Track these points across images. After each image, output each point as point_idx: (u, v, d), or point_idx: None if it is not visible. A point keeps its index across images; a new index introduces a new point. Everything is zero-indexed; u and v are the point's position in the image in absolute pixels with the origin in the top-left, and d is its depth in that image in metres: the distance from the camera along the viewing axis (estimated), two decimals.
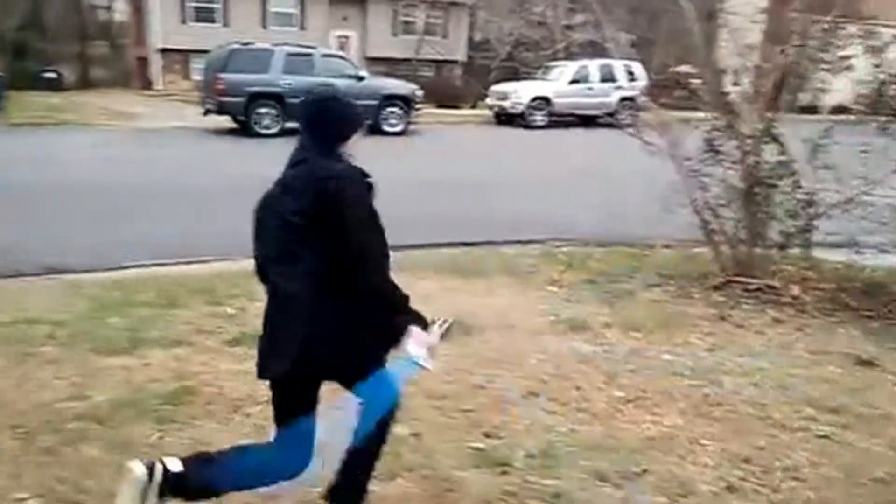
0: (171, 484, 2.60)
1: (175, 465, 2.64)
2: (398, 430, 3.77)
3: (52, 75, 39.23)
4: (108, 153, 15.59)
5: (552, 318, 5.70)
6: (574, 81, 25.09)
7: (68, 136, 18.19)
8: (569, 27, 36.83)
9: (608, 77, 24.57)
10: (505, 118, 25.21)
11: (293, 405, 2.80)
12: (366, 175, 2.70)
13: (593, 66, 25.28)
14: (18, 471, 3.39)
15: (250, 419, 3.94)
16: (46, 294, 6.09)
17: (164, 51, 36.69)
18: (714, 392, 4.43)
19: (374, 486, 3.29)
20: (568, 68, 25.98)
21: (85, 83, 43.92)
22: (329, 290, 2.62)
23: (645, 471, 3.51)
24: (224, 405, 4.11)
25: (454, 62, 40.68)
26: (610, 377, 4.60)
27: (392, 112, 20.68)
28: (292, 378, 2.72)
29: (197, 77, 27.40)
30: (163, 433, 3.79)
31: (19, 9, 42.29)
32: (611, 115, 23.45)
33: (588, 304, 6.11)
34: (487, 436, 3.82)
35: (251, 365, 4.38)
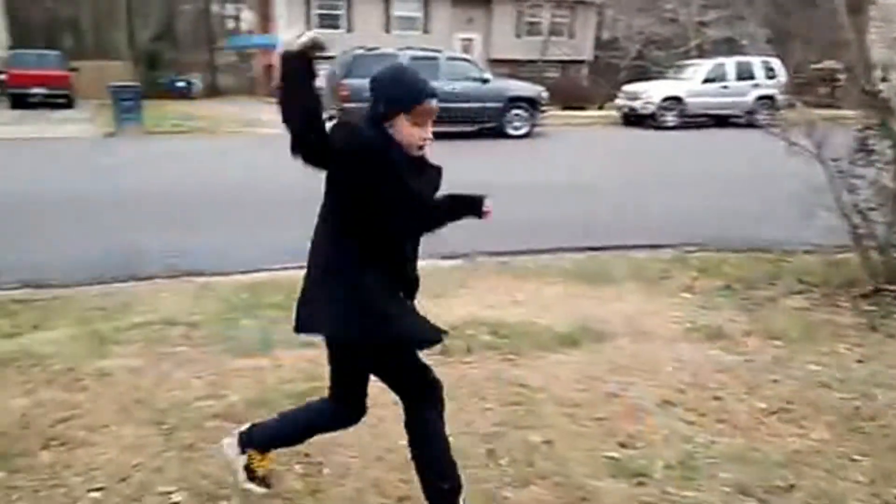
0: (244, 438, 3.17)
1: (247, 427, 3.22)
2: (530, 437, 3.81)
3: (183, 84, 41.02)
4: (238, 159, 16.20)
5: (687, 326, 5.54)
6: (708, 80, 24.39)
7: (199, 143, 19.08)
8: (702, 24, 35.87)
9: (745, 75, 23.83)
10: (634, 119, 24.80)
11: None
12: (390, 152, 2.70)
13: (730, 63, 24.61)
14: (163, 465, 3.57)
15: (380, 421, 3.93)
16: (179, 296, 6.32)
17: None
18: (866, 405, 4.20)
19: (506, 493, 3.33)
20: (702, 66, 25.29)
21: (213, 91, 45.81)
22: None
23: (792, 486, 3.37)
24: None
25: (581, 62, 40.28)
26: (751, 387, 4.43)
27: (517, 115, 20.58)
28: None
29: (320, 84, 28.01)
30: None
31: (153, 20, 44.53)
32: (748, 114, 22.78)
33: (725, 311, 5.90)
34: (623, 445, 3.74)
35: None
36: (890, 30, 6.14)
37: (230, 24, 58.53)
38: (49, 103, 29.58)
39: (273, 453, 3.29)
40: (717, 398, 4.30)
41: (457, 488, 2.95)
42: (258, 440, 3.18)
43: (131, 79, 30.49)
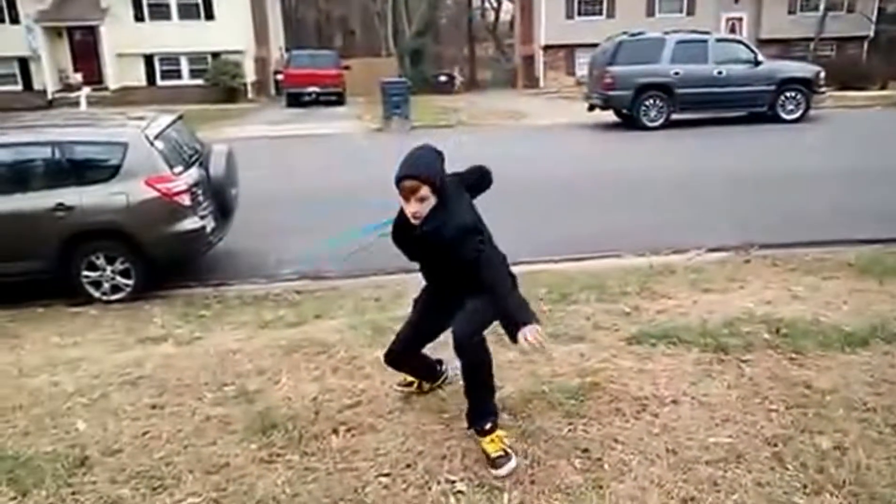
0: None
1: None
2: (821, 442, 3.67)
3: (445, 78, 42.28)
4: (499, 151, 16.36)
5: None
6: None
7: (462, 137, 19.24)
8: None
9: None
10: None
11: None
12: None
13: None
14: (446, 453, 3.75)
15: (658, 419, 4.01)
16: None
17: (547, 48, 37.88)
18: None
19: (797, 499, 3.25)
20: None
21: (472, 84, 46.98)
22: None
23: None
24: (629, 403, 4.19)
25: (860, 38, 37.41)
26: None
27: (790, 97, 19.50)
28: None
29: (580, 72, 28.06)
30: (572, 426, 3.96)
31: (417, 16, 46.37)
32: None
33: None
34: None
35: (653, 364, 4.67)
36: None
37: (490, 17, 59.75)
38: (322, 101, 31.73)
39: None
40: None
41: None
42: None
43: (396, 74, 32.16)
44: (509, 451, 3.62)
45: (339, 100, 32.25)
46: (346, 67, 34.00)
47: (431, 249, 3.62)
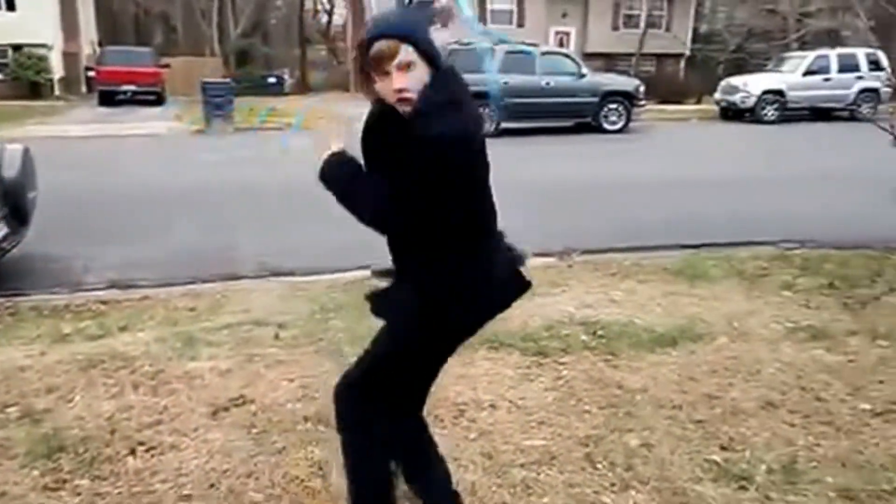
0: None
1: None
2: (630, 440, 3.81)
3: (274, 80, 41.73)
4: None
5: (790, 325, 5.49)
6: (810, 73, 24.11)
7: (291, 139, 19.30)
8: (804, 15, 35.08)
9: (848, 67, 23.38)
10: (732, 113, 24.66)
11: None
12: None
13: (832, 56, 24.27)
14: (253, 470, 3.60)
15: (476, 424, 4.02)
16: (268, 295, 6.36)
17: None
18: None
19: (605, 498, 3.34)
20: (804, 59, 24.96)
21: (304, 87, 46.56)
22: None
23: None
24: (448, 409, 4.16)
25: (678, 56, 39.81)
26: (856, 388, 4.40)
27: (613, 109, 20.57)
28: None
29: None
30: None
31: (244, 16, 45.52)
32: (851, 108, 22.38)
33: (828, 311, 5.84)
34: (724, 448, 3.74)
35: (474, 369, 4.67)
36: None
37: (323, 19, 59.33)
38: (139, 101, 30.55)
39: None
40: (819, 399, 4.28)
41: None
42: None
43: (222, 75, 31.40)
44: None
45: (158, 100, 31.23)
46: (166, 66, 33.01)
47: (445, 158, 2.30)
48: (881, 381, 4.50)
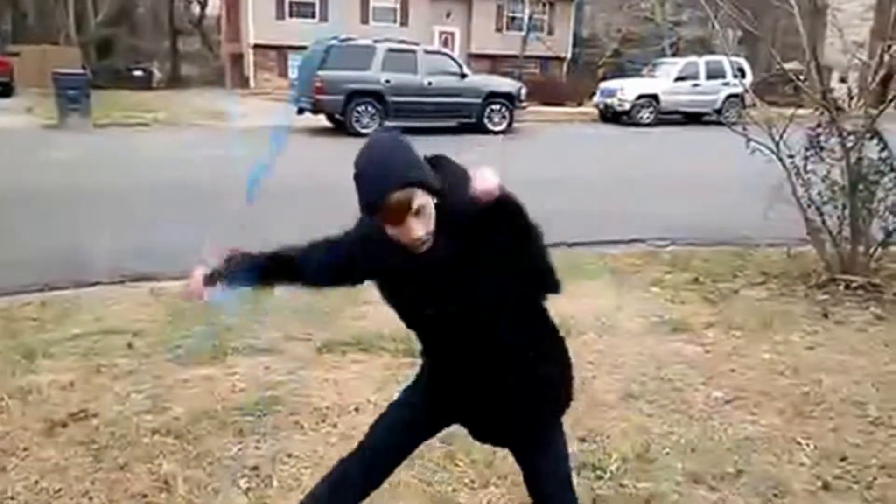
0: None
1: None
2: None
3: (141, 73, 40.46)
4: (198, 154, 15.81)
5: (654, 320, 5.88)
6: (681, 78, 25.29)
7: (156, 137, 18.91)
8: (676, 23, 36.65)
9: (715, 74, 24.56)
10: (611, 116, 25.54)
11: None
12: None
13: (701, 62, 25.54)
14: (89, 489, 3.49)
15: (337, 429, 4.08)
16: (123, 302, 6.18)
17: (257, 47, 37.54)
18: (814, 391, 4.58)
19: (462, 496, 3.48)
20: (675, 65, 26.21)
21: (176, 81, 45.37)
22: None
23: (741, 471, 3.67)
24: (309, 415, 4.22)
25: (560, 59, 40.83)
26: (709, 377, 4.77)
27: (495, 110, 21.04)
28: None
29: (293, 74, 28.19)
30: (243, 445, 3.89)
31: (106, 3, 43.90)
32: (718, 112, 23.53)
33: (691, 305, 6.29)
34: (583, 440, 3.93)
35: (341, 373, 4.77)
36: (848, 34, 6.62)
37: (195, 10, 57.88)
38: None
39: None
40: (676, 389, 4.61)
41: None
42: None
43: (80, 66, 30.25)
44: None
45: (5, 90, 29.65)
46: (14, 54, 31.59)
47: (465, 283, 2.26)
48: (733, 370, 4.91)
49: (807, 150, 6.71)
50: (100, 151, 16.00)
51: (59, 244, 7.99)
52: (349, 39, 20.30)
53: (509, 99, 21.39)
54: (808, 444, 3.93)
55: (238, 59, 41.16)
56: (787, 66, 7.71)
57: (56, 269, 7.10)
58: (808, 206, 6.72)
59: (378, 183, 2.13)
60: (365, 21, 37.29)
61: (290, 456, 3.78)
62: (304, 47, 22.74)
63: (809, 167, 6.71)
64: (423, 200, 2.14)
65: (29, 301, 6.25)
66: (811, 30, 6.82)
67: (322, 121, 20.73)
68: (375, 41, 20.49)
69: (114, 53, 42.35)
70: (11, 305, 6.17)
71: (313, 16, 37.17)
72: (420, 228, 2.15)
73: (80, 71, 23.13)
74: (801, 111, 7.06)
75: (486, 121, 20.94)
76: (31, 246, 7.98)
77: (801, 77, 7.18)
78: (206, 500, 3.43)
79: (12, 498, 3.42)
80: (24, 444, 3.86)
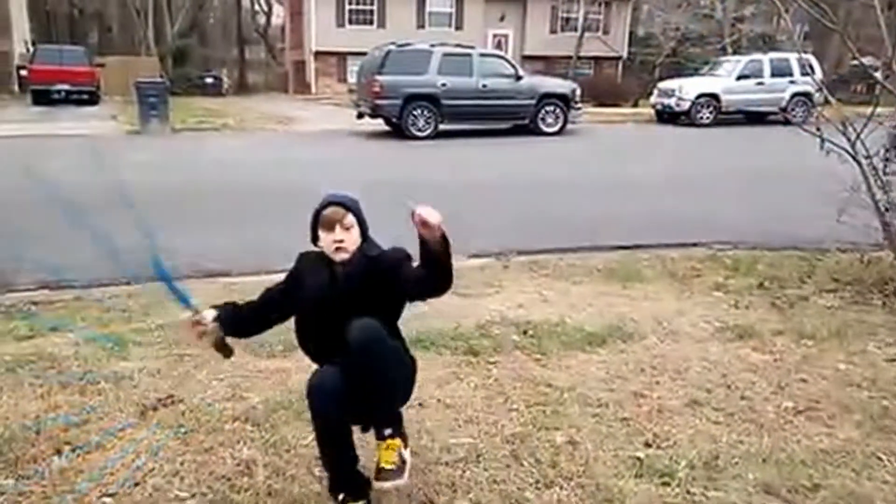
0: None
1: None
2: (555, 437, 3.85)
3: (212, 80, 41.24)
4: (266, 156, 16.23)
5: (718, 325, 5.58)
6: (743, 77, 24.41)
7: (227, 140, 19.28)
8: (738, 20, 35.78)
9: (781, 72, 23.75)
10: (668, 116, 24.94)
11: None
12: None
13: (765, 60, 24.59)
14: (179, 469, 3.59)
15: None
16: (200, 296, 6.25)
17: (318, 54, 37.99)
18: (894, 404, 4.24)
19: (528, 494, 3.36)
20: (738, 63, 25.29)
21: (243, 87, 46.14)
22: None
23: (818, 485, 3.40)
24: None
25: (615, 59, 40.33)
26: (779, 387, 4.48)
27: (550, 111, 20.70)
28: None
29: (352, 80, 28.41)
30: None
31: (181, 15, 44.80)
32: (784, 111, 22.75)
33: (756, 311, 5.95)
34: (648, 445, 3.78)
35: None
36: None
37: (261, 20, 58.89)
38: (73, 100, 29.87)
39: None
40: (744, 398, 4.34)
41: None
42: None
43: (158, 74, 30.88)
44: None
45: (92, 99, 30.53)
46: (100, 65, 32.35)
47: (357, 291, 3.11)
48: (804, 380, 4.59)
49: (887, 150, 6.30)
50: (177, 153, 16.43)
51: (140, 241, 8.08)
52: (407, 44, 20.25)
53: (563, 100, 20.97)
54: (890, 461, 3.63)
55: (300, 65, 41.59)
56: (862, 61, 7.31)
57: (136, 263, 7.16)
58: (887, 210, 6.29)
59: (329, 198, 3.17)
60: (421, 26, 37.34)
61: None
62: (362, 53, 22.77)
63: (889, 168, 6.31)
64: (352, 223, 3.14)
65: (118, 293, 6.48)
66: (892, 21, 6.37)
67: (377, 125, 20.84)
68: (432, 45, 20.37)
69: (188, 62, 43.09)
70: (103, 296, 6.41)
71: (371, 22, 37.32)
72: (343, 237, 3.12)
73: (159, 79, 23.56)
74: (878, 109, 6.63)
75: (539, 122, 20.62)
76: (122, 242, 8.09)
77: (876, 73, 6.77)
78: (284, 485, 3.46)
79: (112, 473, 3.55)
80: (121, 425, 4.03)
